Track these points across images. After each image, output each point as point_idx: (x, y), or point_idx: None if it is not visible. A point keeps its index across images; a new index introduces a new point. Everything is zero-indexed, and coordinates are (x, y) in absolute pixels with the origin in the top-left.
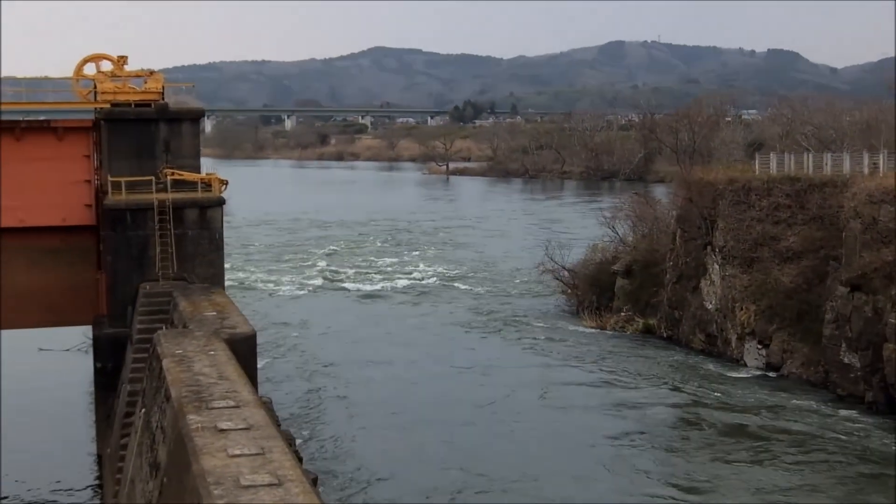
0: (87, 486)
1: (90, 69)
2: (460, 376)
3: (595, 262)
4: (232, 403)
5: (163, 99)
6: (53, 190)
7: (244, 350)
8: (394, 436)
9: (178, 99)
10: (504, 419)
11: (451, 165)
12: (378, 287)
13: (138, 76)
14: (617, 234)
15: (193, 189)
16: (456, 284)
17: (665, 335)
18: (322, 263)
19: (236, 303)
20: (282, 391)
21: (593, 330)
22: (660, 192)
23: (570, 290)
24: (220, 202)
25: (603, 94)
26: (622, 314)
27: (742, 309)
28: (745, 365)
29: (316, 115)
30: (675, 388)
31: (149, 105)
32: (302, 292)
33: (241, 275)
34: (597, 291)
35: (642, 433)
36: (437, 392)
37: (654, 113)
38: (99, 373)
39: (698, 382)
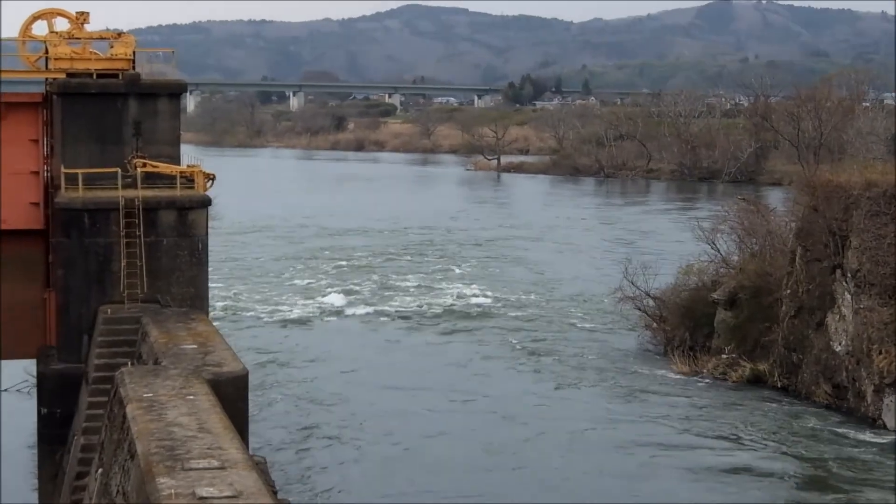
0: None
1: (40, 28)
2: (506, 430)
3: (689, 289)
4: (216, 464)
5: (133, 68)
6: None
7: (232, 394)
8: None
9: (153, 69)
10: (564, 491)
11: (504, 159)
12: (405, 315)
13: (102, 38)
14: (718, 251)
15: (171, 185)
16: (506, 312)
17: (779, 385)
18: (334, 283)
19: (223, 333)
20: (279, 448)
21: (685, 376)
22: (775, 197)
23: (655, 324)
24: (205, 202)
25: (702, 69)
26: (723, 356)
27: (881, 353)
28: (885, 426)
29: (330, 91)
30: (792, 456)
31: (115, 76)
32: (308, 320)
33: (229, 296)
34: (690, 326)
35: None
36: (476, 456)
37: (769, 95)
38: (44, 421)
39: (822, 449)
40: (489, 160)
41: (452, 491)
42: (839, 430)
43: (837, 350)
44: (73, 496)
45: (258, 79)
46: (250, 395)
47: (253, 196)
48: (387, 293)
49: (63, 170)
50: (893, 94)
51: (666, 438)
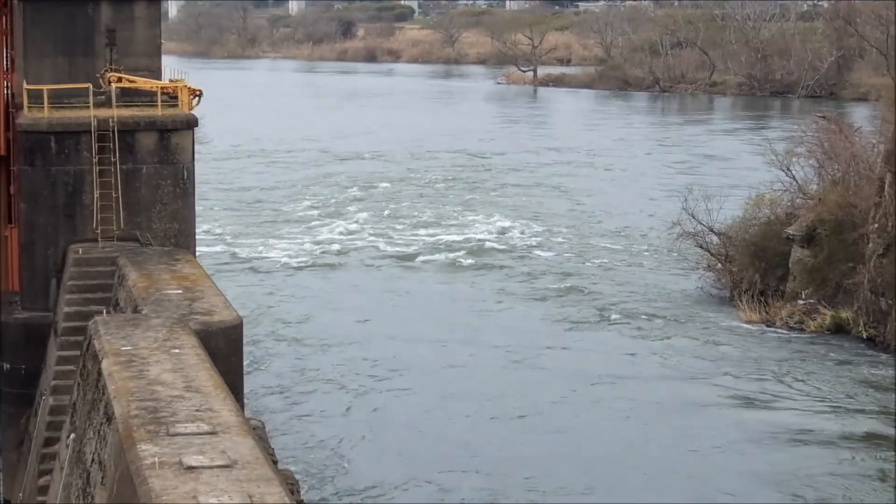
0: None
1: None
2: (541, 392)
3: (759, 223)
4: (205, 428)
5: None
6: None
7: (224, 347)
8: (445, 480)
9: None
10: (619, 471)
11: (541, 71)
12: (425, 254)
13: None
14: (794, 179)
15: (151, 103)
16: (545, 250)
17: (865, 335)
18: (342, 217)
19: (213, 276)
20: (279, 410)
21: (755, 325)
22: (860, 115)
23: (720, 265)
24: (191, 123)
25: None
26: (800, 303)
27: None
28: None
29: None
30: (879, 420)
31: None
32: (311, 261)
33: (220, 233)
34: (762, 267)
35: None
36: (515, 424)
37: None
38: (6, 378)
39: None
40: (524, 72)
41: (480, 477)
42: None
43: None
44: (41, 465)
45: None
46: (245, 349)
47: (247, 115)
48: (403, 229)
49: (25, 86)
50: None
51: (734, 398)
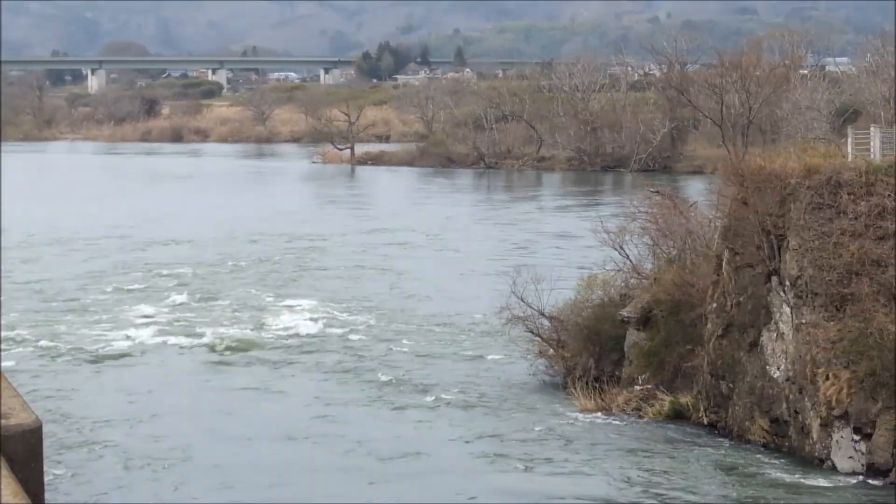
0: None
1: None
2: (365, 488)
3: (592, 305)
4: None
5: None
6: None
7: (22, 453)
8: None
9: None
10: None
11: (359, 149)
12: (234, 345)
13: None
14: (627, 258)
15: None
16: (364, 338)
17: (705, 420)
18: (146, 307)
19: (7, 374)
20: None
21: (590, 413)
22: (695, 189)
23: (552, 350)
24: None
25: (603, 31)
26: (636, 388)
27: (828, 378)
28: (834, 467)
29: (138, 68)
30: None
31: None
32: (115, 355)
33: (14, 329)
34: (596, 352)
35: None
36: None
37: (686, 62)
38: None
39: (761, 497)
40: (341, 150)
41: None
42: (779, 475)
43: (775, 376)
44: None
45: (47, 54)
46: (46, 454)
47: (43, 202)
48: (211, 318)
49: None
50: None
51: (568, 491)
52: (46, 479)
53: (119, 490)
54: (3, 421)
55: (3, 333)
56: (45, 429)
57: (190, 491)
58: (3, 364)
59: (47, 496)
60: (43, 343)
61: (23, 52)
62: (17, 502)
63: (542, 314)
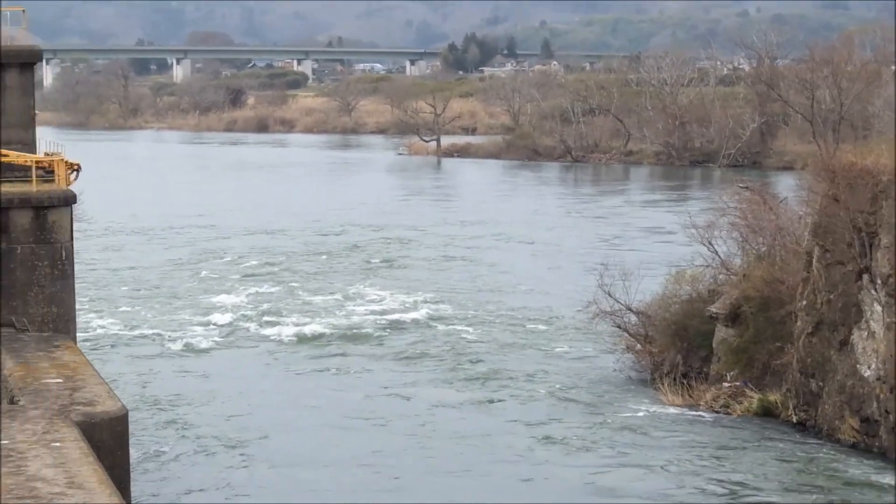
0: None
1: None
2: (452, 485)
3: (681, 301)
4: None
5: None
6: None
7: (108, 440)
8: None
9: None
10: None
11: (445, 141)
12: (321, 334)
13: None
14: (716, 254)
15: (25, 178)
16: (450, 330)
17: (794, 419)
18: (232, 297)
19: (95, 363)
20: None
21: (677, 409)
22: (785, 185)
23: (639, 346)
24: (69, 200)
25: (692, 25)
26: (724, 385)
27: None
28: None
29: (223, 58)
30: None
31: None
32: (201, 345)
33: (102, 317)
34: (683, 348)
35: None
36: None
37: (776, 57)
38: None
39: (849, 498)
40: (427, 142)
41: None
42: (869, 475)
43: (866, 375)
44: None
45: (132, 43)
46: (132, 441)
47: (129, 190)
48: (299, 309)
49: None
50: None
51: (655, 487)
52: (132, 464)
53: (201, 477)
54: (89, 409)
55: (90, 322)
56: (130, 416)
57: (270, 476)
58: (87, 352)
59: (133, 482)
60: (127, 331)
61: (108, 41)
62: (103, 489)
63: (630, 309)
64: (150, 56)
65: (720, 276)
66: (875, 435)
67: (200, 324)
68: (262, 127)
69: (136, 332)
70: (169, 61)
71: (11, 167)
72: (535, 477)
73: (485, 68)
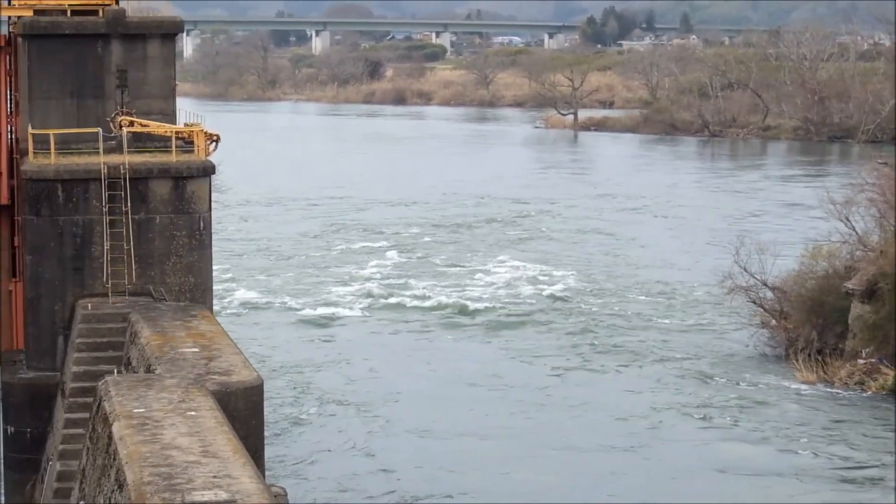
0: None
1: None
2: (586, 460)
3: (817, 277)
4: (224, 496)
5: (117, 3)
6: None
7: (243, 409)
8: None
9: (141, 5)
10: None
11: (583, 114)
12: (457, 307)
13: None
14: (853, 230)
15: (165, 148)
16: (586, 303)
17: None
18: (369, 269)
19: (231, 333)
20: (303, 476)
21: (811, 386)
22: None
23: (774, 321)
24: (207, 170)
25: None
26: (860, 361)
27: None
28: None
29: (362, 30)
30: None
31: (95, 12)
32: (338, 316)
33: (238, 287)
34: (819, 324)
35: None
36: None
37: None
38: (11, 442)
39: None
40: (564, 115)
41: None
42: None
43: None
44: None
45: (272, 15)
46: (266, 410)
47: (267, 161)
48: (434, 280)
49: (30, 130)
50: None
51: (788, 465)
52: (266, 433)
53: (332, 448)
54: (225, 378)
55: (227, 291)
56: (264, 384)
57: (400, 448)
58: (223, 322)
59: (267, 450)
60: (262, 300)
61: (248, 13)
62: (237, 458)
63: (765, 284)
64: (290, 28)
65: (857, 253)
66: None
67: (335, 293)
68: (399, 99)
69: (271, 302)
70: (308, 33)
71: (152, 137)
72: (673, 452)
73: (623, 42)
